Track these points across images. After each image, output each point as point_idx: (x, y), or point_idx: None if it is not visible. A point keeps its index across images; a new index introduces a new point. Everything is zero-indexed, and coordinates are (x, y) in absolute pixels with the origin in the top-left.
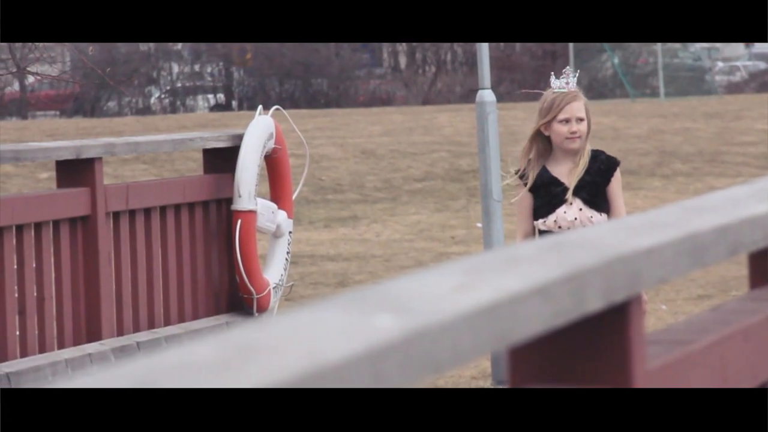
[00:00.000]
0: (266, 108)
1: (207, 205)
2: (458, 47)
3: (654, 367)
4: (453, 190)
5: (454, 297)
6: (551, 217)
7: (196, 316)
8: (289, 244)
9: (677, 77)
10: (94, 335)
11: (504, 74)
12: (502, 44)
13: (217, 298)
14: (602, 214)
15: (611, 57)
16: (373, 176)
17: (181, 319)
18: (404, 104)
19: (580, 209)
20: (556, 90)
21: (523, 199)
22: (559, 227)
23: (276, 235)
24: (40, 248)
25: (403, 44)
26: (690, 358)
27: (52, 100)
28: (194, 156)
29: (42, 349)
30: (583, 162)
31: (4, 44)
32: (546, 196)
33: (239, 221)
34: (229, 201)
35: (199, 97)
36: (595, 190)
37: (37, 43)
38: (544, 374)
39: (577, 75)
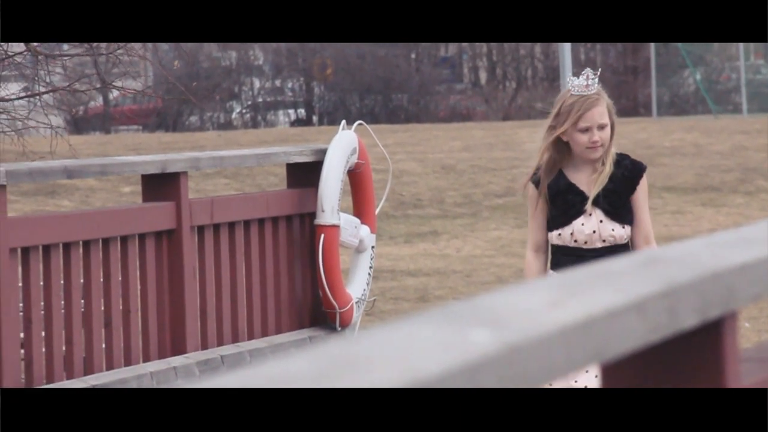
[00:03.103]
0: (348, 123)
1: (290, 220)
2: (539, 63)
3: (748, 384)
4: None
5: (549, 312)
6: (567, 230)
7: (279, 331)
8: (371, 259)
9: (760, 93)
10: (178, 348)
11: None
12: (582, 59)
13: (300, 313)
14: (625, 226)
15: (693, 73)
16: (454, 191)
17: (265, 333)
18: (484, 120)
19: (601, 221)
20: (574, 92)
21: (535, 206)
22: (575, 241)
23: (359, 249)
24: (126, 261)
25: (484, 59)
26: None
27: (135, 115)
28: (275, 171)
29: (127, 362)
30: (607, 168)
31: (89, 58)
32: (562, 205)
33: (322, 236)
34: (313, 215)
35: (280, 112)
36: (617, 200)
37: (121, 58)
38: None
39: (598, 74)
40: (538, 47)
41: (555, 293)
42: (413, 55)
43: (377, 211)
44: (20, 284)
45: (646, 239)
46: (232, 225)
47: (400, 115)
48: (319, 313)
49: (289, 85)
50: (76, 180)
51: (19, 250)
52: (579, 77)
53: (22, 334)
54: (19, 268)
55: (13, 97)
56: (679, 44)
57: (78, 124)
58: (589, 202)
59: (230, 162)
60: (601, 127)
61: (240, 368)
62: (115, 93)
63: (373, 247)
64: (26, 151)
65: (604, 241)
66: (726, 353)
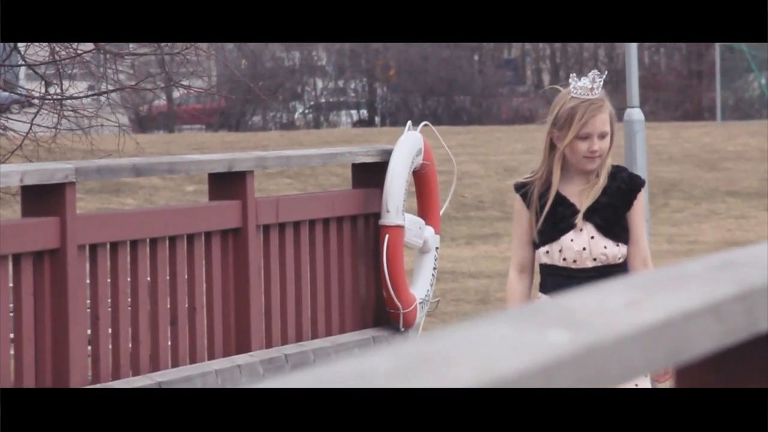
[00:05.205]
0: (412, 124)
1: (355, 220)
2: (602, 65)
3: None
4: None
5: (625, 313)
6: (555, 246)
7: (342, 330)
8: (435, 260)
9: None
10: (243, 347)
11: (649, 93)
12: (647, 62)
13: (364, 313)
14: (619, 245)
15: (758, 77)
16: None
17: (328, 333)
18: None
19: (592, 237)
20: (575, 94)
21: (521, 220)
22: (564, 260)
23: (423, 250)
24: (192, 259)
25: (547, 61)
26: None
27: (199, 114)
28: (337, 171)
29: (193, 360)
30: (601, 180)
31: (153, 58)
32: (550, 218)
33: (387, 236)
34: (377, 216)
35: (342, 113)
36: (612, 215)
37: (188, 57)
38: None
39: (604, 77)
40: (602, 50)
41: (632, 294)
42: (476, 57)
43: (442, 211)
44: (88, 281)
45: (644, 261)
46: (297, 224)
47: (462, 116)
48: (383, 314)
49: (352, 85)
50: (140, 178)
51: (87, 247)
52: (583, 78)
53: (89, 331)
54: (87, 265)
55: (81, 95)
56: (745, 48)
57: (142, 123)
58: (580, 215)
59: (296, 161)
60: (602, 136)
61: (316, 366)
62: (180, 91)
63: (437, 248)
64: (94, 149)
65: (595, 260)
66: None
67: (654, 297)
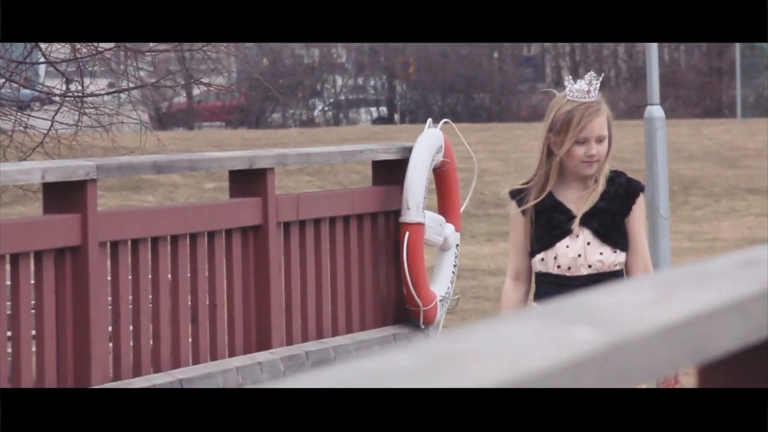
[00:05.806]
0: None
1: (375, 217)
2: (622, 63)
3: None
4: None
5: (649, 311)
6: (550, 254)
7: (363, 328)
8: (456, 257)
9: None
10: (264, 344)
11: (669, 90)
12: (667, 60)
13: (384, 310)
14: (617, 251)
15: None
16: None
17: (349, 330)
18: None
19: (588, 243)
20: (572, 97)
21: (517, 228)
22: (558, 267)
23: (443, 248)
24: (213, 256)
25: (567, 59)
26: None
27: (219, 111)
28: (357, 168)
29: (213, 357)
30: (600, 186)
31: (173, 55)
32: (546, 225)
33: (407, 233)
34: (398, 213)
35: (362, 110)
36: (609, 221)
37: (209, 54)
38: None
39: (601, 79)
40: (621, 47)
41: (656, 292)
42: (496, 54)
43: (462, 209)
44: (109, 278)
45: (645, 268)
46: (317, 221)
47: (481, 114)
48: (403, 311)
49: (372, 83)
50: (160, 176)
51: (108, 244)
52: (579, 81)
53: (110, 328)
54: (108, 262)
55: (102, 92)
56: (765, 46)
57: (162, 120)
58: (577, 220)
59: (316, 159)
60: (600, 140)
61: (340, 364)
62: (200, 88)
63: (457, 245)
64: (116, 146)
65: (590, 266)
66: None
67: (678, 294)
